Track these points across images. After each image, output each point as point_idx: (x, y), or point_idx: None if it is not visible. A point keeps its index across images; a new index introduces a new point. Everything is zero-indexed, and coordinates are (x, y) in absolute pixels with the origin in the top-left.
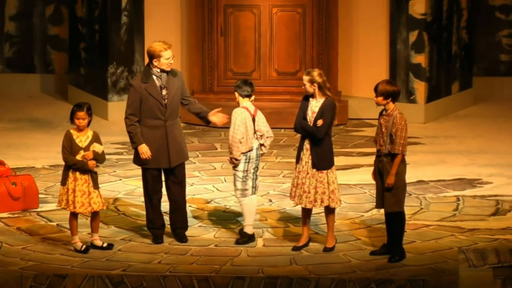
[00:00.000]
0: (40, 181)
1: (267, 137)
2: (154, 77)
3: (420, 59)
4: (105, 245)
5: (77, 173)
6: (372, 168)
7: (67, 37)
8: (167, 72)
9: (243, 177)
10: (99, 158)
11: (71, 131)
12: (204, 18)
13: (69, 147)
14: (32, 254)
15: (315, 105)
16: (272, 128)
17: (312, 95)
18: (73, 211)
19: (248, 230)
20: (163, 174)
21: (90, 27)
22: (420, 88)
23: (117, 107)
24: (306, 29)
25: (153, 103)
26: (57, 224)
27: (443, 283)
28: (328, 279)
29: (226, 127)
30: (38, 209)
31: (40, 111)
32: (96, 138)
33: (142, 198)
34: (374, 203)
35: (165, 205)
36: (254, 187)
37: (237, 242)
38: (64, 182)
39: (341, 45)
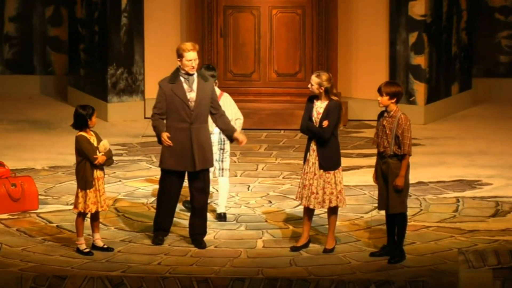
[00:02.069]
0: (39, 183)
1: (235, 120)
2: (182, 78)
3: (419, 60)
4: (105, 246)
5: (99, 172)
6: (372, 170)
7: (67, 38)
8: (198, 76)
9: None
10: (111, 154)
11: (83, 134)
12: (204, 19)
13: (92, 149)
14: (32, 255)
15: (320, 106)
16: (272, 129)
17: (317, 96)
18: (100, 211)
19: (220, 209)
20: (186, 180)
21: (89, 29)
22: (419, 89)
23: (116, 109)
24: (306, 30)
25: (178, 104)
26: (57, 226)
27: (443, 284)
28: (328, 281)
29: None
30: (38, 211)
31: (40, 113)
32: (98, 136)
33: (142, 200)
34: (374, 205)
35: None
36: (221, 169)
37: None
38: (91, 184)
39: (340, 46)
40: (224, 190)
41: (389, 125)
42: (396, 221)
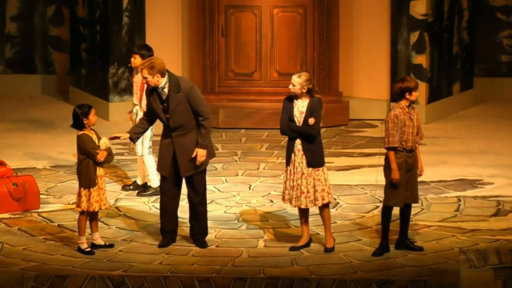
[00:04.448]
0: (41, 182)
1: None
2: (157, 91)
3: (421, 59)
4: (107, 243)
5: (101, 170)
6: (373, 169)
7: (68, 38)
8: (169, 89)
9: (151, 136)
10: (110, 151)
11: (85, 133)
12: (205, 18)
13: (95, 147)
14: (33, 255)
15: (301, 105)
16: (273, 128)
17: (296, 96)
18: (102, 209)
19: (154, 184)
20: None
21: (91, 28)
22: (421, 88)
23: (118, 108)
24: (307, 30)
25: (156, 115)
26: (58, 225)
27: (444, 283)
28: (329, 280)
29: (229, 127)
30: (39, 210)
31: (41, 112)
32: (97, 134)
33: (143, 199)
34: (375, 204)
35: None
36: (148, 148)
37: (139, 194)
38: (94, 183)
39: (342, 45)
40: (152, 166)
41: (416, 117)
42: (408, 211)
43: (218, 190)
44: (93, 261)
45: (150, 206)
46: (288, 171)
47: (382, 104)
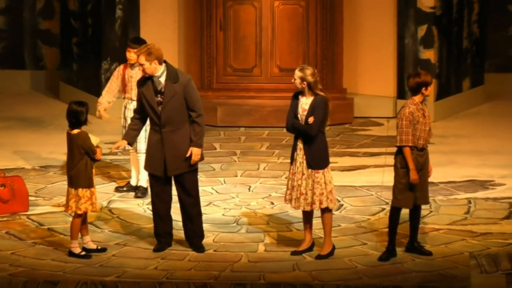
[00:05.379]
0: (30, 183)
1: None
2: (151, 80)
3: (429, 54)
4: (99, 247)
5: (94, 171)
6: (378, 169)
7: (59, 31)
8: (166, 78)
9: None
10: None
11: (84, 131)
12: (203, 11)
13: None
14: (22, 260)
15: (305, 102)
16: (274, 127)
17: (302, 93)
18: (93, 211)
19: (145, 183)
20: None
21: (82, 21)
22: None
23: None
24: (310, 23)
25: (147, 107)
26: (48, 228)
27: None
28: (333, 286)
29: (228, 126)
30: (28, 212)
31: (31, 109)
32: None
33: (137, 201)
34: (381, 206)
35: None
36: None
37: (137, 196)
38: (93, 182)
39: (346, 40)
40: None
41: (428, 114)
42: (418, 213)
43: (216, 191)
44: (84, 266)
45: (145, 208)
46: (291, 170)
47: (388, 101)
